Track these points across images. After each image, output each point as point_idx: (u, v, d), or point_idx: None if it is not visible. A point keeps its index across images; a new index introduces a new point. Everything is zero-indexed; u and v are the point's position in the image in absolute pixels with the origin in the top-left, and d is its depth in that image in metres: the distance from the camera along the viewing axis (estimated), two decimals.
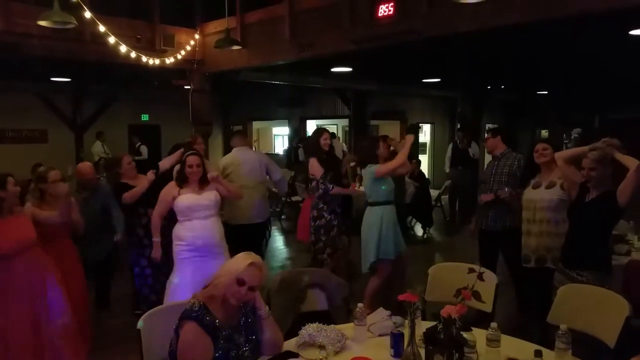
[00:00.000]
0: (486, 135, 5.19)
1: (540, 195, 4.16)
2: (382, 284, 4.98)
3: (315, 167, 5.14)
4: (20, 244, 3.48)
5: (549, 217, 4.14)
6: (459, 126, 12.43)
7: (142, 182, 4.92)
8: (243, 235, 5.39)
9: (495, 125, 17.41)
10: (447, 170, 10.85)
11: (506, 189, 4.72)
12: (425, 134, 16.42)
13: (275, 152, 18.30)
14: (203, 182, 4.21)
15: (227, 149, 12.06)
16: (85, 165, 5.17)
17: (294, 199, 10.22)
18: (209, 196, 4.19)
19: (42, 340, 3.52)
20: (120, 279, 5.60)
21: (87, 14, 6.52)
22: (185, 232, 4.14)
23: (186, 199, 4.13)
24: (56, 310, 3.63)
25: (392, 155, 5.03)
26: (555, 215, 4.15)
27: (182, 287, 4.06)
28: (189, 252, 4.13)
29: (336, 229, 5.25)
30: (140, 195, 4.85)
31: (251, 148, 6.24)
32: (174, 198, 4.15)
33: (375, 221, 4.88)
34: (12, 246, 3.43)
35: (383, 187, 4.89)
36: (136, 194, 4.84)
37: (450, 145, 11.01)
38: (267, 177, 5.86)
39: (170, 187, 4.25)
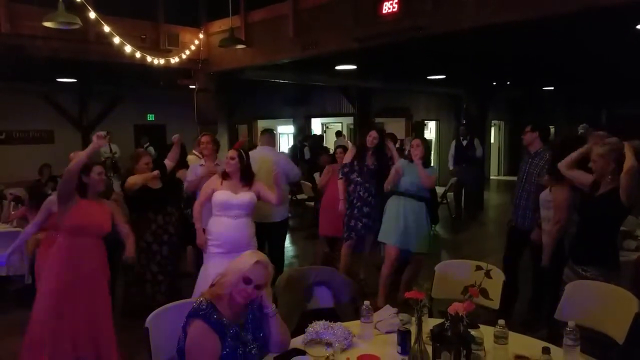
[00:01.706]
0: (526, 128, 4.96)
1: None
2: (391, 269, 5.21)
3: (347, 154, 5.75)
4: (92, 226, 3.63)
5: (542, 214, 4.33)
6: (464, 122, 12.40)
7: (147, 175, 4.95)
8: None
9: (500, 121, 17.42)
10: (451, 167, 10.81)
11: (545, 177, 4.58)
12: (430, 131, 16.39)
13: (280, 150, 18.31)
14: (245, 180, 4.28)
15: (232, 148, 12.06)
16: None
17: (299, 197, 10.22)
18: (244, 197, 4.24)
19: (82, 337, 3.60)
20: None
21: (92, 15, 6.55)
22: (214, 227, 4.27)
23: (221, 195, 4.24)
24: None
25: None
26: (543, 212, 4.27)
27: (202, 279, 4.20)
28: (215, 247, 4.26)
29: (353, 220, 5.56)
30: (144, 193, 4.91)
31: (273, 147, 6.23)
32: (214, 190, 4.27)
33: (386, 206, 5.25)
34: (81, 223, 3.57)
35: (402, 180, 5.16)
36: (136, 184, 4.87)
37: (453, 143, 10.96)
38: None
39: (214, 179, 4.39)
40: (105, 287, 3.82)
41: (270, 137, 6.18)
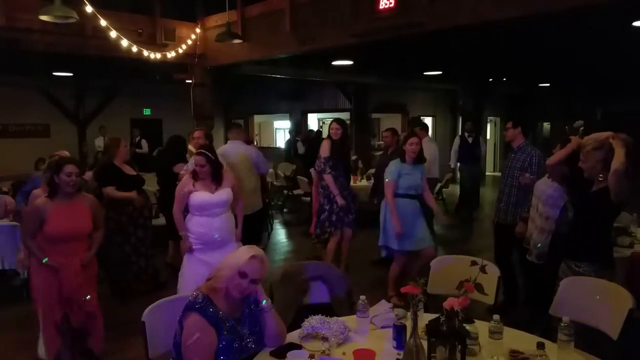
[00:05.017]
0: (507, 124, 5.02)
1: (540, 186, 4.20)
2: (400, 271, 5.23)
3: (324, 148, 5.66)
4: (71, 232, 3.55)
5: (538, 209, 4.21)
6: (462, 119, 12.31)
7: (128, 195, 5.24)
8: None
9: (496, 117, 17.45)
10: (452, 165, 10.51)
11: (526, 175, 4.60)
12: None
13: (277, 145, 18.30)
14: (216, 180, 4.21)
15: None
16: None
17: (295, 192, 10.23)
18: (222, 195, 4.21)
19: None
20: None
21: (88, 8, 6.52)
22: (196, 227, 4.21)
23: (200, 197, 4.16)
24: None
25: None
26: (540, 208, 4.19)
27: (188, 278, 4.14)
28: (197, 244, 4.22)
29: (331, 214, 5.66)
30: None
31: (245, 141, 6.38)
32: (190, 192, 4.19)
33: (400, 213, 5.03)
34: (58, 232, 3.49)
35: (401, 182, 5.07)
36: (115, 197, 5.18)
37: (457, 139, 10.54)
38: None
39: (186, 182, 4.27)
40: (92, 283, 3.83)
41: (240, 131, 6.34)
